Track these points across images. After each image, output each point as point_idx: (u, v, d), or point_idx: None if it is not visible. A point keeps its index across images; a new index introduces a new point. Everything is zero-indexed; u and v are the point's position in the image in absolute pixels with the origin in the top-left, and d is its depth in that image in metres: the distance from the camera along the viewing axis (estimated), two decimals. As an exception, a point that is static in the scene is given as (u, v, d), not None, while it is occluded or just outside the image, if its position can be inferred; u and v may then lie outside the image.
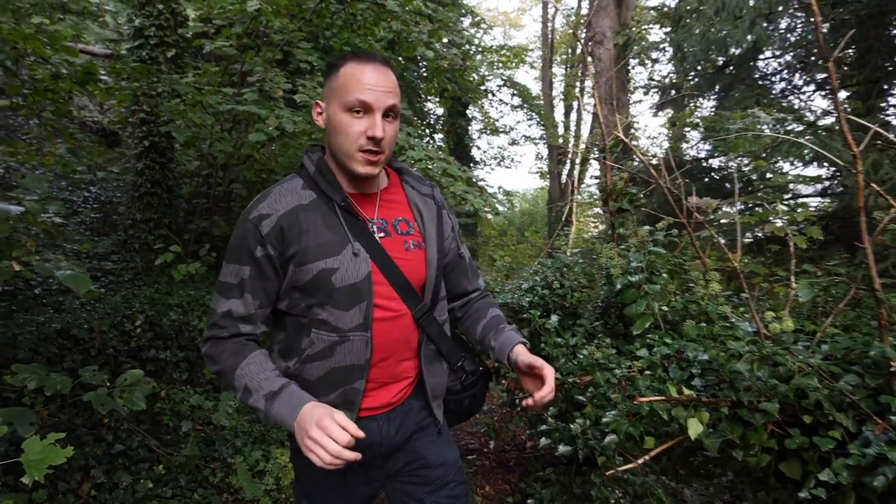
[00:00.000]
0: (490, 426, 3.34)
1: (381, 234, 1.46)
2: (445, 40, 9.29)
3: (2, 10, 4.35)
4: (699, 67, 6.84)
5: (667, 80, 10.84)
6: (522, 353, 1.53)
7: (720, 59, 6.69)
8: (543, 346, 2.73)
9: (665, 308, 2.78)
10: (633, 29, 12.83)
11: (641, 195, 2.86)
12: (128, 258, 5.37)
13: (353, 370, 1.41)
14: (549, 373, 1.45)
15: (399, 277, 1.44)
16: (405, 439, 1.57)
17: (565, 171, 24.22)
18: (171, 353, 4.16)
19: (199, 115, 4.50)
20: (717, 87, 7.94)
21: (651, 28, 13.81)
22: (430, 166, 5.26)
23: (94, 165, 6.02)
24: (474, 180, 5.61)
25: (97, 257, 5.22)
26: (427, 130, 13.57)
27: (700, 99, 9.06)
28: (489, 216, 5.20)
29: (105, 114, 7.78)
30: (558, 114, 25.89)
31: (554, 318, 2.72)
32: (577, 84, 25.36)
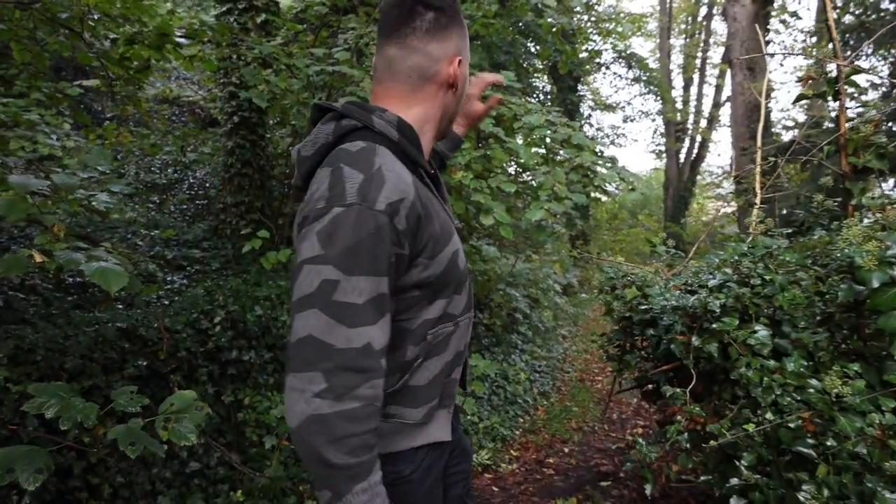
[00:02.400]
0: (645, 466, 2.49)
1: None
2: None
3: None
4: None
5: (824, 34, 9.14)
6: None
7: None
8: (743, 372, 1.84)
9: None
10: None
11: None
12: (218, 245, 4.95)
13: (456, 359, 1.25)
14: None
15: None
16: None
17: (684, 150, 22.41)
18: (257, 354, 3.61)
19: (287, 79, 3.92)
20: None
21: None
22: (551, 134, 4.42)
23: (186, 146, 5.66)
24: (600, 152, 4.69)
25: (187, 244, 4.84)
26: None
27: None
28: (623, 191, 4.28)
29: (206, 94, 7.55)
30: (676, 89, 24.02)
31: (762, 330, 1.82)
32: (699, 54, 23.33)
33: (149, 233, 4.43)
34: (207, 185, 6.97)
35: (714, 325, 1.82)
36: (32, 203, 1.99)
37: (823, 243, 2.01)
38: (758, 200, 2.51)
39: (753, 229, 2.24)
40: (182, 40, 3.92)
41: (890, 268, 1.65)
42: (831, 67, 1.98)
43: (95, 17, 3.37)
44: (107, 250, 2.28)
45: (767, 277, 1.84)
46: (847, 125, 1.84)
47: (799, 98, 1.97)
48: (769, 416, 1.72)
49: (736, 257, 2.01)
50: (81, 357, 2.57)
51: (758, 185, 2.56)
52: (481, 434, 4.14)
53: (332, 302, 0.99)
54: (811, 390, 1.68)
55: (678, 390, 1.94)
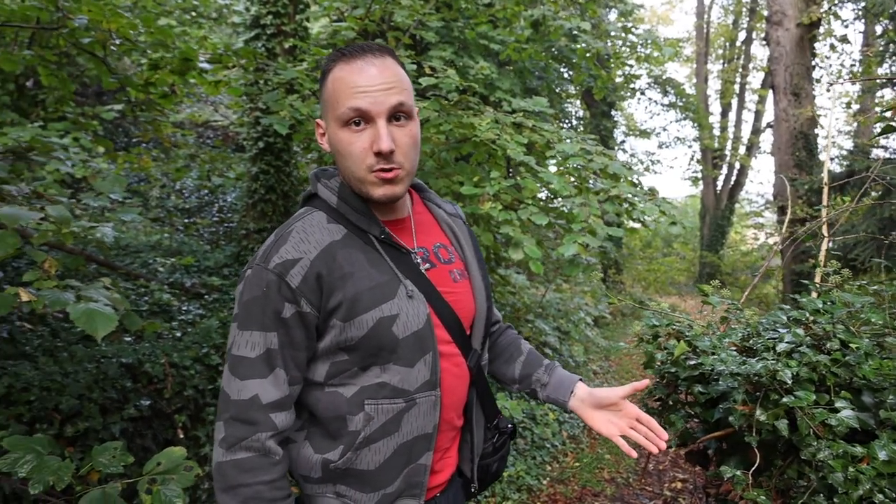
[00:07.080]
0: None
1: (427, 266, 1.19)
2: (591, 26, 8.15)
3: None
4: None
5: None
6: (592, 389, 1.31)
7: None
8: (823, 457, 1.56)
9: None
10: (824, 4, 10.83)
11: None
12: (239, 272, 4.81)
13: (419, 442, 1.13)
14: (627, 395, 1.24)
15: (452, 317, 1.18)
16: None
17: (722, 177, 21.86)
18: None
19: (312, 105, 3.78)
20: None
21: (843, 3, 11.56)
22: (586, 163, 4.19)
23: (212, 171, 5.57)
24: (638, 182, 4.46)
25: (207, 271, 4.70)
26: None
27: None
28: (663, 222, 4.02)
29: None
30: (714, 115, 23.55)
31: (846, 409, 1.54)
32: (738, 79, 22.87)
33: (166, 260, 4.30)
34: (237, 208, 6.89)
35: (784, 399, 1.55)
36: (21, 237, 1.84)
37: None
38: (824, 245, 2.23)
39: (822, 280, 1.97)
40: (207, 65, 3.83)
41: None
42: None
43: (118, 42, 3.28)
44: (105, 287, 2.11)
45: (853, 344, 1.57)
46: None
47: (886, 130, 1.71)
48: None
49: (808, 315, 1.74)
50: (79, 397, 2.40)
51: (825, 228, 2.27)
52: (505, 483, 3.86)
53: (232, 356, 1.06)
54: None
55: (738, 473, 1.67)
